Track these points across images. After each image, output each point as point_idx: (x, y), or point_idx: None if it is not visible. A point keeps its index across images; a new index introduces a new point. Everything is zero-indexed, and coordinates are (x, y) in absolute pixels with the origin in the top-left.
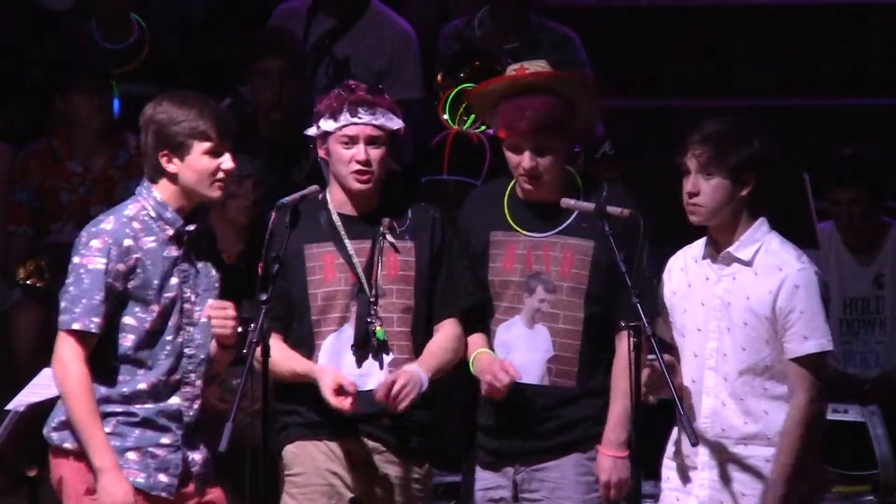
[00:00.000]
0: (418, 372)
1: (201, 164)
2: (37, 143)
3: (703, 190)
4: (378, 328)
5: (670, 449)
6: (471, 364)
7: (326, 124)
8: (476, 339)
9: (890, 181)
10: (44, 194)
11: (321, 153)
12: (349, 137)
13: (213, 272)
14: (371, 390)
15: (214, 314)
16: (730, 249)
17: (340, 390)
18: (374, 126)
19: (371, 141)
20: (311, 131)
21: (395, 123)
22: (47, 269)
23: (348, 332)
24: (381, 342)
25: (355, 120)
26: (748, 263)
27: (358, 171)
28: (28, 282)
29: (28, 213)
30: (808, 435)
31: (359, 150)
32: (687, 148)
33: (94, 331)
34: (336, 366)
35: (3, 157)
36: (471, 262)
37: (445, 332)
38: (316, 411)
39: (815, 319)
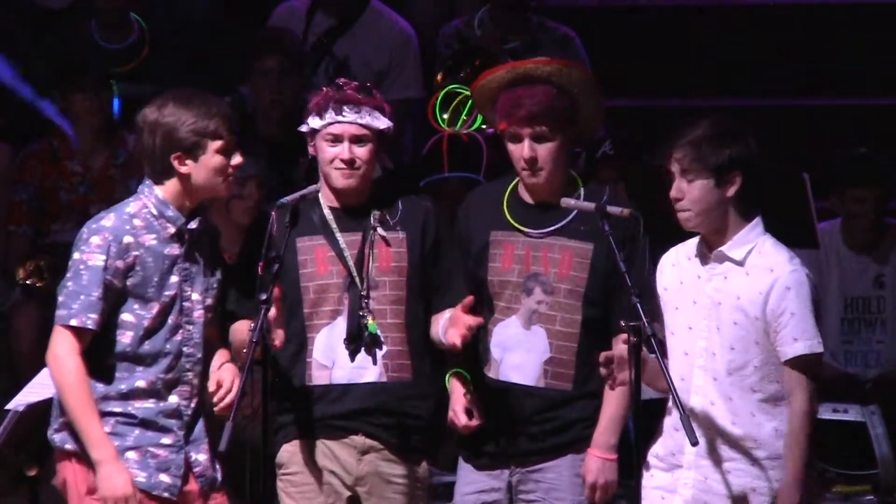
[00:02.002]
0: None
1: (215, 162)
2: (37, 143)
3: (686, 194)
4: (370, 322)
5: (655, 448)
6: (447, 379)
7: (313, 122)
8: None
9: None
10: (44, 194)
11: (311, 150)
12: (333, 136)
13: (214, 272)
14: (367, 383)
15: (218, 393)
16: (722, 249)
17: None
18: (359, 125)
19: (356, 140)
20: (304, 128)
21: (382, 122)
22: (47, 269)
23: (341, 325)
24: (373, 336)
25: (339, 118)
26: (740, 263)
27: (341, 169)
28: (28, 282)
29: (28, 213)
30: (812, 435)
31: (343, 149)
32: (669, 153)
33: (90, 327)
34: (330, 360)
35: (3, 157)
36: (470, 261)
37: None
38: (312, 410)
39: (805, 321)
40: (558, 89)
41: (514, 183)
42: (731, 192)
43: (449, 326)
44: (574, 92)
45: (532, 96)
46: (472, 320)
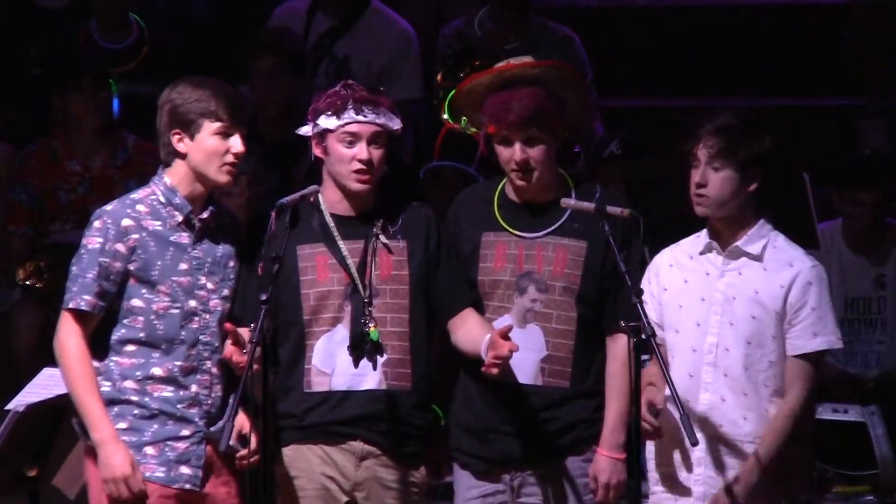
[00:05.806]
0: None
1: (210, 144)
2: (36, 143)
3: (711, 182)
4: (371, 329)
5: (655, 457)
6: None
7: (328, 122)
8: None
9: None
10: (43, 194)
11: (317, 152)
12: (352, 135)
13: (231, 263)
14: (366, 390)
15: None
16: (738, 244)
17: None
18: (378, 125)
19: (373, 140)
20: (305, 130)
21: (396, 124)
22: (47, 270)
23: (341, 332)
24: (374, 343)
25: (360, 118)
26: (758, 258)
27: (359, 171)
28: (28, 282)
29: (27, 214)
30: (796, 431)
31: (361, 149)
32: (699, 138)
33: (83, 308)
34: (330, 367)
35: (3, 157)
36: (461, 262)
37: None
38: (310, 416)
39: (826, 316)
40: (546, 90)
41: (502, 183)
42: (752, 188)
43: (490, 351)
44: (560, 91)
45: (521, 99)
46: (510, 346)
